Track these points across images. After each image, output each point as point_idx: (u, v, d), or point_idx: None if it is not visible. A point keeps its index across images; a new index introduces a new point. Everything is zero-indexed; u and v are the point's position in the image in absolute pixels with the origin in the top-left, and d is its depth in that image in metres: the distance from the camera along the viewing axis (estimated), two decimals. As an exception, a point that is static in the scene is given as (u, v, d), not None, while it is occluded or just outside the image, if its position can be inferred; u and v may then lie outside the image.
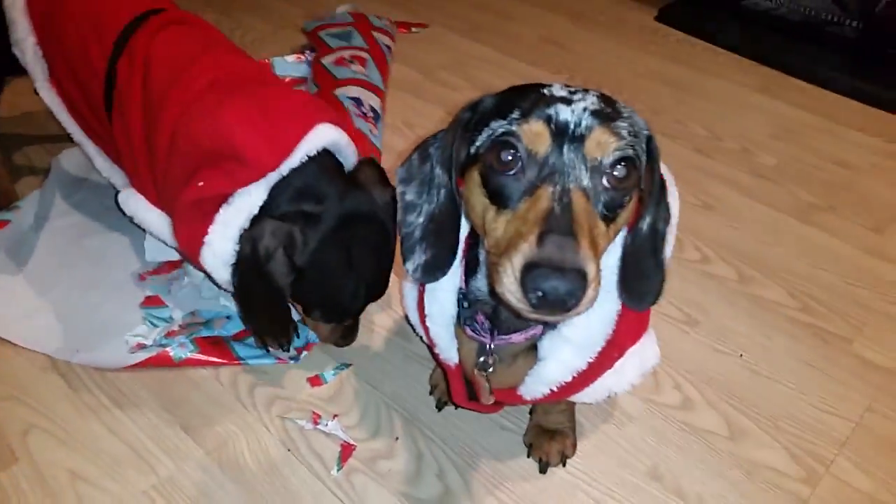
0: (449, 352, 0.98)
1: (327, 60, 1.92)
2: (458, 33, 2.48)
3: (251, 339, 1.28)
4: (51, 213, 1.52)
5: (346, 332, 1.23)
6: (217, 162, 1.05)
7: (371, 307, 1.35)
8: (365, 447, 1.15)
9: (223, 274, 1.07)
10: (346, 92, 1.77)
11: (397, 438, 1.17)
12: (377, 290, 1.17)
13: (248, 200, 1.04)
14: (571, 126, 0.71)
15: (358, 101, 1.76)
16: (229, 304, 1.34)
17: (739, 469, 1.15)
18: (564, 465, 1.14)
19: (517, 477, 1.12)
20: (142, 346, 1.25)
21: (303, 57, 2.04)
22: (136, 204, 1.19)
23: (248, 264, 1.03)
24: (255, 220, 1.04)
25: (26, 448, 1.12)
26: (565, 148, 0.71)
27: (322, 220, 1.06)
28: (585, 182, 0.71)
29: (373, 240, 1.11)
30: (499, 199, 0.73)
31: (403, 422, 1.19)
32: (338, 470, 1.11)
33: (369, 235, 1.11)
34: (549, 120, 0.71)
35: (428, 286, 0.95)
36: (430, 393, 1.24)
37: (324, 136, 1.08)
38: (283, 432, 1.17)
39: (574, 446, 1.15)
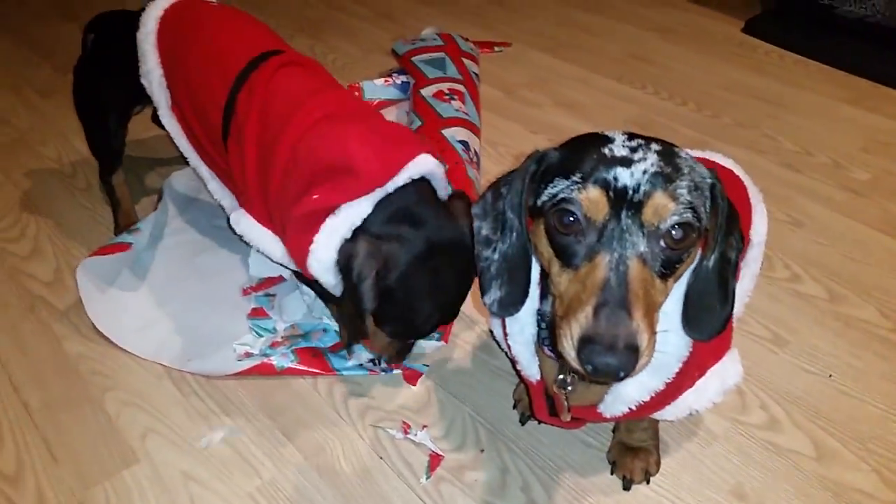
0: (530, 369, 1.03)
1: (427, 93, 1.95)
2: (540, 50, 2.53)
3: (345, 352, 1.36)
4: (164, 233, 1.65)
5: (402, 349, 1.31)
6: (331, 176, 1.14)
7: (457, 324, 1.41)
8: (452, 457, 1.20)
9: (329, 279, 1.16)
10: (454, 134, 1.80)
11: (483, 450, 1.22)
12: (450, 316, 1.24)
13: (353, 212, 1.13)
14: (630, 192, 0.75)
15: (466, 145, 1.79)
16: (328, 321, 1.43)
17: (826, 490, 1.15)
18: (648, 482, 1.16)
19: (600, 493, 1.15)
20: (248, 355, 1.35)
21: (391, 80, 2.13)
22: (246, 223, 1.29)
23: (343, 275, 1.12)
24: (357, 232, 1.13)
25: (145, 450, 1.23)
26: (623, 214, 0.75)
27: (415, 244, 1.13)
28: (642, 248, 0.75)
29: (457, 268, 1.18)
30: (562, 256, 0.79)
31: (488, 434, 1.24)
32: (426, 478, 1.17)
33: (454, 264, 1.17)
34: (607, 186, 0.75)
35: None
36: (514, 407, 1.28)
37: (426, 163, 1.17)
38: (375, 441, 1.23)
39: (658, 464, 1.17)
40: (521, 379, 1.12)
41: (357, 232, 1.12)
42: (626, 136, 0.81)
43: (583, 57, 2.47)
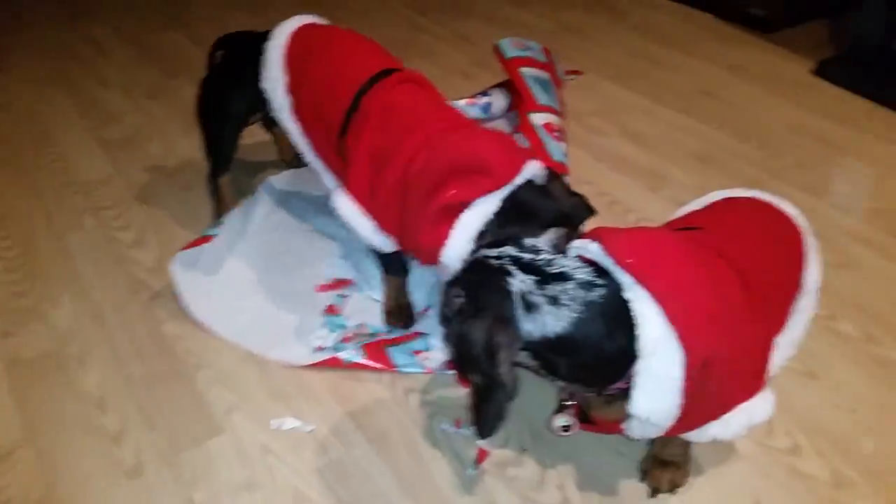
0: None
1: (537, 121, 2.00)
2: (610, 80, 2.64)
3: (407, 347, 1.52)
4: (254, 228, 1.85)
5: None
6: (466, 174, 1.28)
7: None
8: (496, 453, 1.34)
9: (454, 265, 1.27)
10: None
11: (525, 450, 1.35)
12: None
13: (486, 207, 1.26)
14: None
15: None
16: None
17: (840, 515, 1.24)
18: (674, 492, 1.28)
19: (630, 498, 1.28)
20: (321, 349, 1.53)
21: (474, 100, 2.24)
22: (343, 201, 1.45)
23: None
24: (488, 225, 1.27)
25: (230, 423, 1.41)
26: None
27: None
28: None
29: None
30: None
31: (531, 436, 1.38)
32: (473, 470, 1.31)
33: None
34: None
35: None
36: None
37: (536, 167, 1.33)
38: (429, 432, 1.39)
39: (685, 477, 1.29)
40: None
41: (488, 224, 1.27)
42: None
43: (652, 88, 2.58)
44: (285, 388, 1.48)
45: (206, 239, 1.76)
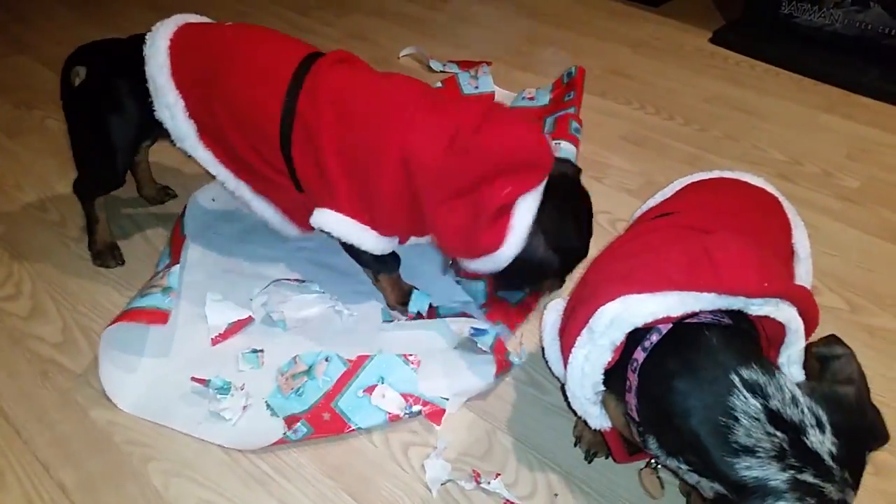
0: (598, 421, 1.06)
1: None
2: (520, 69, 2.53)
3: (355, 387, 1.32)
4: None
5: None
6: (515, 171, 1.22)
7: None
8: (526, 504, 1.19)
9: (506, 262, 1.27)
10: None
11: (556, 495, 1.20)
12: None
13: (535, 200, 1.25)
14: None
15: None
16: (327, 349, 1.38)
17: (882, 498, 1.19)
18: None
19: (678, 528, 1.16)
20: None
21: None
22: (331, 218, 1.34)
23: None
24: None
25: (205, 523, 1.17)
26: None
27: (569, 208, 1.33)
28: None
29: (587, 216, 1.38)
30: None
31: (560, 477, 1.23)
32: (506, 529, 1.15)
33: (585, 212, 1.38)
34: None
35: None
36: (576, 445, 1.28)
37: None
38: (445, 493, 1.21)
39: None
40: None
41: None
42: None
43: (562, 73, 2.48)
44: (260, 467, 1.25)
45: (158, 316, 1.42)
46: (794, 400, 0.83)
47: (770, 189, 1.28)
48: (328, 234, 1.37)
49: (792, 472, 0.79)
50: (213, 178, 1.51)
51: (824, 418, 0.82)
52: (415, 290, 1.50)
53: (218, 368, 1.39)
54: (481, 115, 1.26)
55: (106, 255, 1.67)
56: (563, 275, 1.43)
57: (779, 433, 0.81)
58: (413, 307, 1.47)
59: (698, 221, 1.07)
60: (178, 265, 1.54)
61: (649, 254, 1.01)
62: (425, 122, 1.27)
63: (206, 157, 1.47)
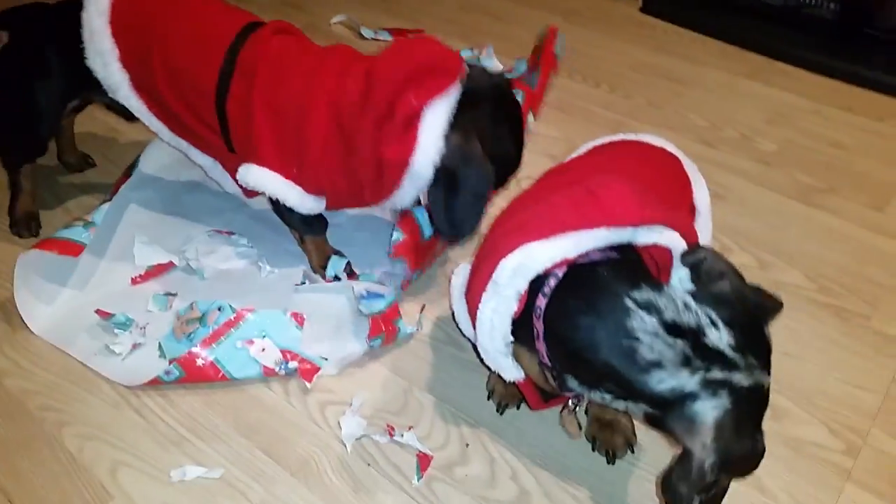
0: (511, 372, 1.09)
1: None
2: (452, 36, 2.53)
3: (233, 338, 1.33)
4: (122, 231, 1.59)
5: None
6: (418, 81, 1.23)
7: (425, 321, 1.42)
8: (439, 455, 1.22)
9: (426, 174, 1.26)
10: None
11: (468, 444, 1.24)
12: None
13: (446, 106, 1.24)
14: None
15: None
16: (221, 300, 1.39)
17: (786, 447, 1.24)
18: (633, 451, 1.22)
19: (587, 473, 1.20)
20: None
21: None
22: (257, 173, 1.35)
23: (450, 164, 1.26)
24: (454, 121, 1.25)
25: (118, 485, 1.17)
26: None
27: (493, 115, 1.32)
28: None
29: (517, 121, 1.40)
30: None
31: (471, 428, 1.26)
32: (418, 479, 1.18)
33: (515, 117, 1.39)
34: None
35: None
36: (489, 398, 1.31)
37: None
38: (360, 447, 1.23)
39: (635, 433, 1.23)
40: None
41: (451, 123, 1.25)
42: None
43: (494, 43, 2.49)
44: (176, 429, 1.26)
45: (72, 247, 1.46)
46: (687, 306, 0.88)
47: (671, 149, 1.32)
48: (257, 191, 1.39)
49: (701, 372, 0.85)
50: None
51: (715, 315, 0.87)
52: (332, 256, 1.51)
53: (129, 307, 1.43)
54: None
55: (22, 224, 1.64)
56: (499, 185, 1.42)
57: (679, 341, 0.86)
58: (331, 271, 1.48)
59: (589, 176, 1.10)
60: (107, 203, 1.57)
61: (541, 204, 1.04)
62: (350, 68, 1.30)
63: (138, 107, 1.48)
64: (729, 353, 0.86)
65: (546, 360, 1.00)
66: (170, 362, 1.30)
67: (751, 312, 0.92)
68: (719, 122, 2.11)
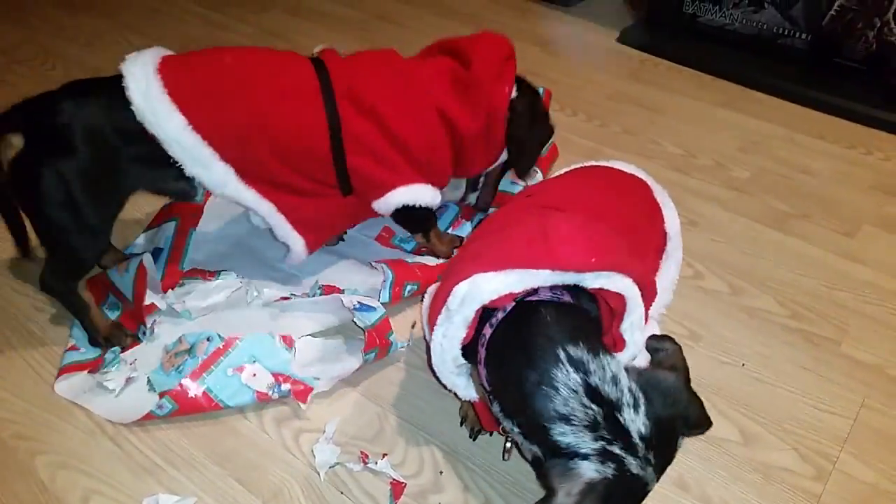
0: (466, 391, 1.12)
1: None
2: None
3: (224, 365, 1.34)
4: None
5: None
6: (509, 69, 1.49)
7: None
8: (413, 483, 1.22)
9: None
10: None
11: (441, 472, 1.24)
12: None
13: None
14: None
15: None
16: (210, 330, 1.40)
17: (756, 472, 1.26)
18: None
19: (557, 498, 1.21)
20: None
21: None
22: (402, 191, 1.47)
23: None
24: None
25: (90, 514, 1.17)
26: None
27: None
28: None
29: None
30: None
31: (445, 455, 1.27)
32: (392, 507, 1.18)
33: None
34: None
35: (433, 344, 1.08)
36: (461, 424, 1.32)
37: None
38: (333, 475, 1.23)
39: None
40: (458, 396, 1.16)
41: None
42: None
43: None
44: (150, 457, 1.26)
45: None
46: (615, 379, 0.90)
47: (640, 174, 1.34)
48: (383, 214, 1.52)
49: (602, 442, 0.86)
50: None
51: (642, 401, 0.89)
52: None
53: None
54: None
55: (115, 337, 1.44)
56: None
57: (594, 406, 0.87)
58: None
59: (554, 201, 1.12)
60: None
61: (499, 232, 1.07)
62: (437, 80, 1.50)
63: (250, 196, 1.39)
64: (635, 437, 0.87)
65: (485, 382, 1.03)
66: (160, 395, 1.30)
67: (675, 416, 0.92)
68: (693, 149, 2.14)
